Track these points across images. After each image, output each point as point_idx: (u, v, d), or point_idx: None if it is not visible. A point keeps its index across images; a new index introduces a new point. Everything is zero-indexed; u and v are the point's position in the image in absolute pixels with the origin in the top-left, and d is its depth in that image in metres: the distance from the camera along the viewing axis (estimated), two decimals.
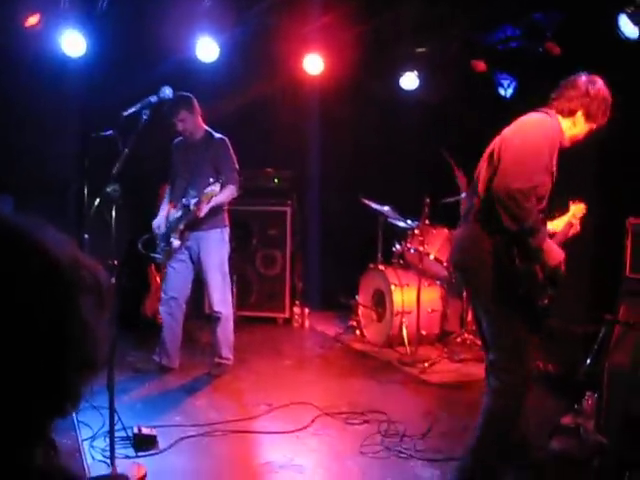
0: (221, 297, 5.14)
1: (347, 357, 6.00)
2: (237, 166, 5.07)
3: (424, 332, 6.02)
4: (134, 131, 3.54)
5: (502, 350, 3.08)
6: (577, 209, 3.49)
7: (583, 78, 3.14)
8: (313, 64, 6.54)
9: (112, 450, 3.38)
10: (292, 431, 4.15)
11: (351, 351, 6.16)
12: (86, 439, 3.73)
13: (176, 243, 4.96)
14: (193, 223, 4.95)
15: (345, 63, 6.48)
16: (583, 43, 5.04)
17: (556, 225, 3.41)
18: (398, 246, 6.48)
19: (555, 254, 2.93)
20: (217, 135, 5.09)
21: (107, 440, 3.45)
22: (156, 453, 3.75)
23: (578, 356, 4.32)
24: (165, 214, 5.12)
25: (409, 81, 6.75)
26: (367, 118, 7.22)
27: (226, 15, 5.80)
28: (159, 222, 5.11)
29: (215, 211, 4.97)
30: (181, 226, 4.95)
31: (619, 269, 3.78)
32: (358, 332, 6.54)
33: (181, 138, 5.13)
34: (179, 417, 4.32)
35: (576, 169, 4.01)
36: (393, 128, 7.24)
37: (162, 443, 3.83)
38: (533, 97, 3.40)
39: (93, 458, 3.54)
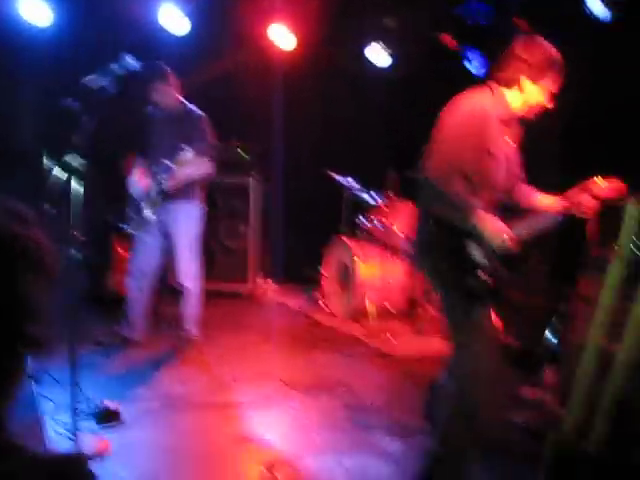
0: (189, 271, 5.09)
1: (311, 330, 6.00)
2: (214, 144, 4.95)
3: (389, 306, 6.06)
4: (100, 101, 3.45)
5: (453, 326, 3.01)
6: (596, 186, 2.99)
7: (517, 43, 2.96)
8: (278, 35, 6.44)
9: (75, 424, 3.35)
10: (257, 404, 4.16)
11: (315, 324, 6.17)
12: (49, 414, 3.67)
13: (148, 215, 4.86)
14: (166, 195, 4.85)
15: (312, 35, 6.40)
16: (551, 19, 5.05)
17: (546, 202, 3.19)
18: (363, 219, 6.48)
19: (496, 231, 2.73)
20: (198, 111, 4.97)
21: (70, 414, 3.40)
22: (120, 427, 3.72)
23: (539, 329, 4.40)
24: (137, 181, 4.96)
25: (374, 52, 6.70)
26: (334, 91, 7.15)
27: None
28: (132, 189, 4.96)
29: (190, 185, 4.89)
30: (153, 196, 4.85)
31: (583, 243, 3.82)
32: (322, 304, 6.56)
33: (155, 107, 5.00)
34: (143, 391, 4.29)
35: (542, 148, 4.02)
36: (360, 101, 7.18)
37: (126, 417, 3.80)
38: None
39: (56, 432, 3.49)
